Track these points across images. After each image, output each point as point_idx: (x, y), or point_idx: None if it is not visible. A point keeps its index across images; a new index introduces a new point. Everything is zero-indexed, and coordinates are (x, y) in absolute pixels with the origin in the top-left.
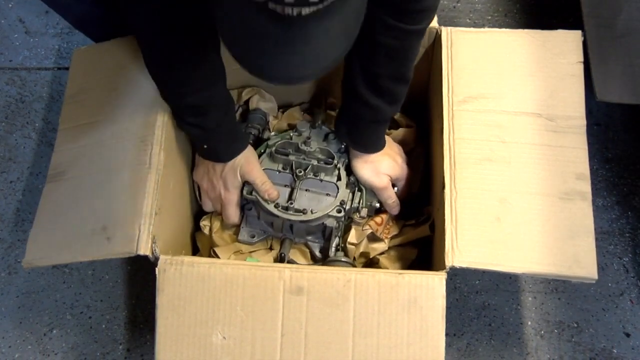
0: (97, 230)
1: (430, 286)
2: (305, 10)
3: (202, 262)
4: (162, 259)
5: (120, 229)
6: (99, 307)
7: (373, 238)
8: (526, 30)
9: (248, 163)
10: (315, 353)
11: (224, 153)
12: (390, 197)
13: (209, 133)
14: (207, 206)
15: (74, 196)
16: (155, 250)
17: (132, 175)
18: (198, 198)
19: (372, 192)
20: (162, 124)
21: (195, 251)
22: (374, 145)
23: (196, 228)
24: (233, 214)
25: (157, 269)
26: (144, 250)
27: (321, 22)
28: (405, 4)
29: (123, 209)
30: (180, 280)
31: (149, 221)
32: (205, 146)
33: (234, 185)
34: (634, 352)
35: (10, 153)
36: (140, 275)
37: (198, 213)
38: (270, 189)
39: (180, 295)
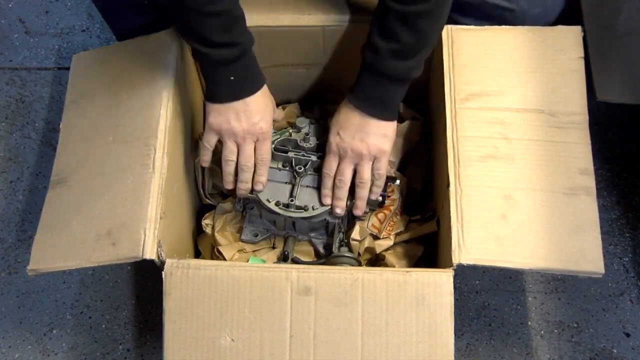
0: (102, 235)
1: (438, 284)
2: None
3: (208, 265)
4: (169, 262)
5: (125, 233)
6: (99, 307)
7: (376, 236)
8: (526, 27)
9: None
10: (324, 353)
11: (259, 76)
12: (327, 163)
13: (242, 49)
14: (228, 180)
15: (78, 202)
16: (161, 254)
17: (135, 179)
18: (201, 191)
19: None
20: (164, 128)
21: (197, 256)
22: (364, 100)
23: (198, 232)
24: (268, 148)
25: (163, 272)
26: (150, 254)
27: None
28: None
29: (127, 214)
30: (187, 283)
31: (154, 225)
32: (237, 73)
33: (270, 113)
34: (634, 352)
35: (10, 153)
36: (140, 275)
37: (199, 218)
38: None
39: (187, 299)
